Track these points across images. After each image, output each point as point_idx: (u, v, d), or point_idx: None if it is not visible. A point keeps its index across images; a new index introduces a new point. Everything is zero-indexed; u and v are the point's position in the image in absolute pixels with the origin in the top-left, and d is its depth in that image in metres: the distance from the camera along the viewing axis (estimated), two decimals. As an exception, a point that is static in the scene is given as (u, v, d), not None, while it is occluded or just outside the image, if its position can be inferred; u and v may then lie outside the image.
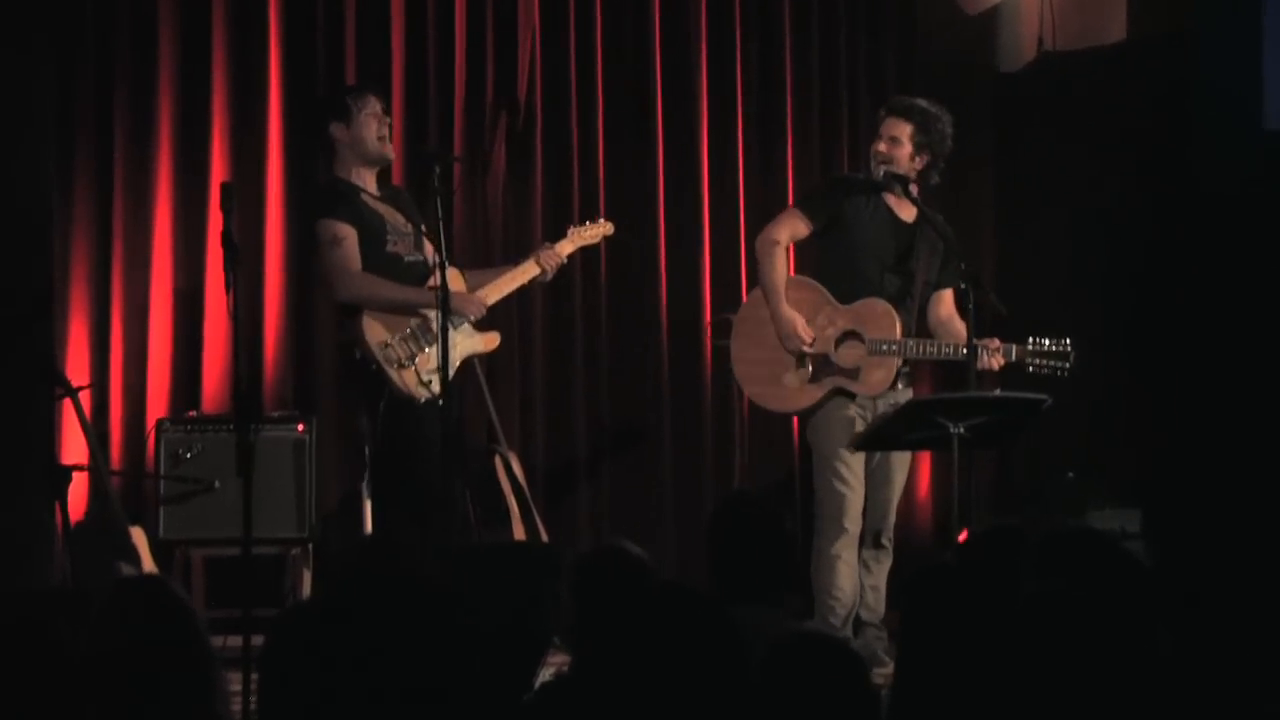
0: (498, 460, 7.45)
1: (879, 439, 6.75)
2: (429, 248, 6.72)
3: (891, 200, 7.04)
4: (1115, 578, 3.81)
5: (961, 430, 6.30)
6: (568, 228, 7.22)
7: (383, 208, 6.69)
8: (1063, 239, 8.40)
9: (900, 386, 6.99)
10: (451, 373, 6.44)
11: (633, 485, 8.37)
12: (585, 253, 8.21)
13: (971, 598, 3.53)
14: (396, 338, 6.57)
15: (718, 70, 8.44)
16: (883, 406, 6.91)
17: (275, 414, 7.59)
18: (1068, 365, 6.80)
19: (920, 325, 7.08)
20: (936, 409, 6.40)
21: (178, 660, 3.25)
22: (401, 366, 6.52)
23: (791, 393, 6.99)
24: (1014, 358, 6.82)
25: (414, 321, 6.60)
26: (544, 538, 7.29)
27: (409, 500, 6.51)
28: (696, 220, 8.39)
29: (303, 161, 7.86)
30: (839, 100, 8.60)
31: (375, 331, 6.56)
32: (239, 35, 7.97)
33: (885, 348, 6.87)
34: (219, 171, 7.83)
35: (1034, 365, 6.82)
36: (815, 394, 6.94)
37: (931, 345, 6.93)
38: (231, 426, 6.91)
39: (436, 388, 6.48)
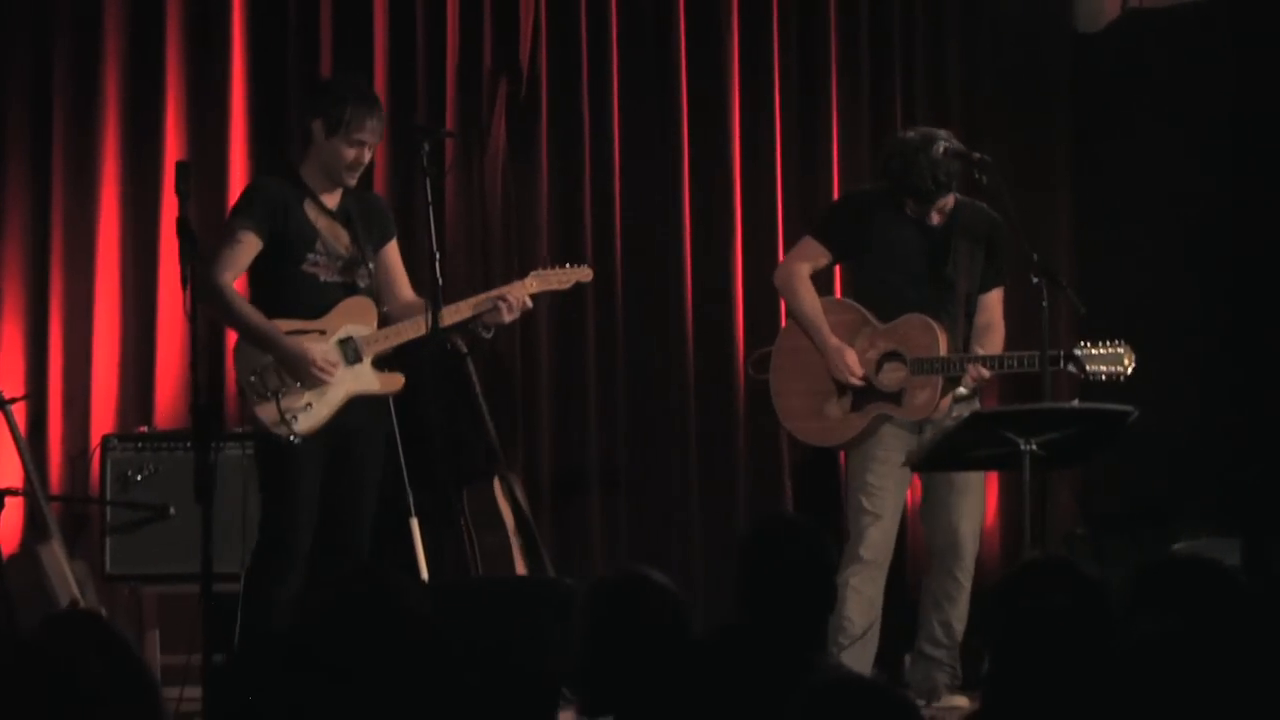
0: (497, 483, 7.44)
1: (938, 457, 6.76)
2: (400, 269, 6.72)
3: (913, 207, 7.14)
4: (1239, 620, 3.73)
5: (1033, 447, 6.28)
6: (533, 268, 7.00)
7: (325, 222, 6.57)
8: (1152, 229, 8.35)
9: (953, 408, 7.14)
10: (330, 413, 6.42)
11: (654, 510, 8.33)
12: (598, 236, 8.21)
13: (1071, 642, 3.48)
14: (268, 366, 6.48)
15: (750, 29, 8.40)
16: (929, 431, 7.04)
17: (239, 429, 7.53)
18: (1122, 369, 6.85)
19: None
20: (1004, 422, 6.39)
21: (118, 714, 3.23)
22: (262, 399, 6.48)
23: (834, 424, 7.24)
24: (1063, 367, 6.88)
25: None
26: (550, 572, 7.27)
27: (262, 546, 6.51)
28: (727, 205, 8.37)
29: (270, 137, 7.86)
30: (891, 59, 8.52)
31: (247, 355, 6.50)
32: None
33: (928, 366, 7.05)
34: (174, 149, 7.82)
35: (1088, 373, 6.87)
36: (858, 424, 7.18)
37: (980, 359, 7.05)
38: (189, 444, 6.94)
39: (300, 426, 6.40)
